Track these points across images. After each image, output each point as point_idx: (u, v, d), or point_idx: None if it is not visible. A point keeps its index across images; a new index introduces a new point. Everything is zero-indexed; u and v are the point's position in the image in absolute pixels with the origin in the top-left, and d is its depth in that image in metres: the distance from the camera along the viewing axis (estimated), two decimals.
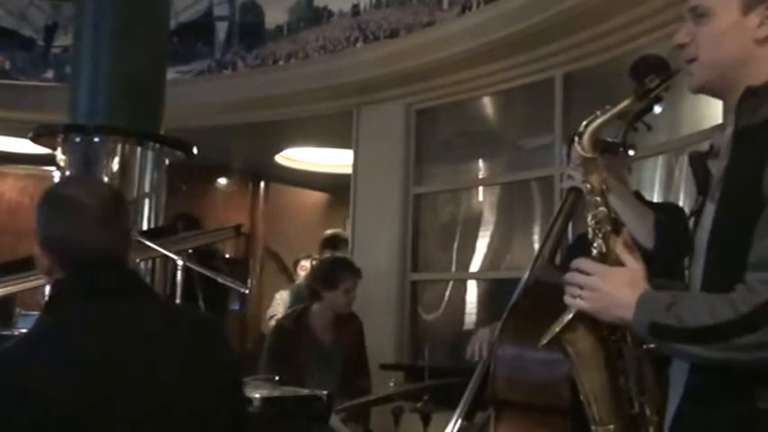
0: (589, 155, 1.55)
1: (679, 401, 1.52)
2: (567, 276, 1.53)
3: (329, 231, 6.14)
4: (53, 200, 1.66)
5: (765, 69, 1.49)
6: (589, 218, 1.56)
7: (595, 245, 1.54)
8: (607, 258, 1.52)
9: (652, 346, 1.55)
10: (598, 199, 1.55)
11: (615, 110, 1.54)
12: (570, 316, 1.52)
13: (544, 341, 1.53)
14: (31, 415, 1.43)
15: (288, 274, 7.26)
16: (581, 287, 1.50)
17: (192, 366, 1.67)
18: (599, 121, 1.54)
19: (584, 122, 1.55)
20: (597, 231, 1.54)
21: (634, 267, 1.50)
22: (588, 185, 1.56)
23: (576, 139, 1.55)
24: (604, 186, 1.56)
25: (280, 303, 5.91)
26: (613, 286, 1.48)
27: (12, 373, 1.49)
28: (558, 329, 1.52)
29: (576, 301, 1.51)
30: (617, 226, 1.55)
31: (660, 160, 4.29)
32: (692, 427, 1.49)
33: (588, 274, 1.50)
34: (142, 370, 1.57)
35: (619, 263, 1.51)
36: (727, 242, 1.45)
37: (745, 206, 1.42)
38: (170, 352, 1.63)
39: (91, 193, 1.64)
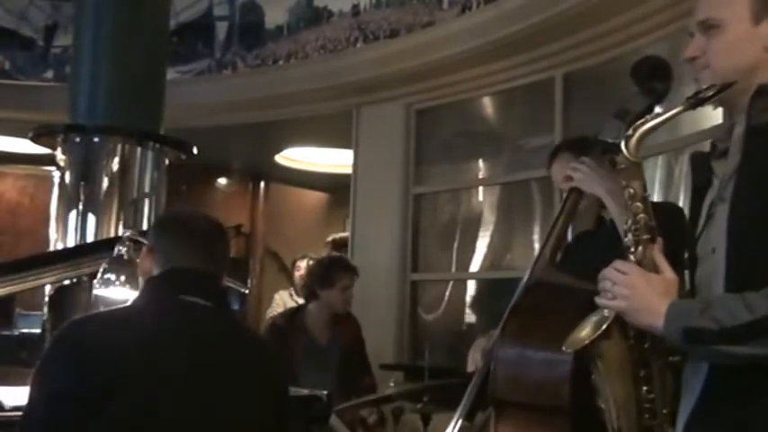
0: (635, 159, 1.52)
1: (696, 402, 1.51)
2: (602, 272, 1.52)
3: (340, 235, 6.19)
4: (173, 222, 2.06)
5: None
6: (629, 224, 1.55)
7: (632, 251, 1.54)
8: (642, 266, 1.52)
9: (677, 358, 1.55)
10: (639, 205, 1.54)
11: (667, 115, 1.51)
12: (597, 317, 1.51)
13: (571, 348, 1.52)
14: (100, 376, 1.66)
15: (287, 273, 7.26)
16: (615, 284, 1.50)
17: (243, 378, 1.87)
18: (649, 125, 1.51)
19: (634, 125, 1.52)
20: (636, 238, 1.54)
21: (669, 276, 1.51)
22: (631, 190, 1.54)
23: (623, 142, 1.52)
24: (646, 193, 1.55)
25: (279, 304, 5.90)
26: (648, 290, 1.48)
27: (85, 335, 1.75)
28: (586, 335, 1.51)
29: (608, 301, 1.51)
30: (654, 234, 1.54)
31: (660, 160, 4.29)
32: (715, 426, 1.48)
33: (624, 273, 1.50)
34: (198, 368, 1.79)
35: (654, 271, 1.51)
36: (747, 240, 1.45)
37: (762, 203, 1.42)
38: (226, 360, 1.86)
39: (204, 222, 2.03)
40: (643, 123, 1.52)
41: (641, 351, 1.54)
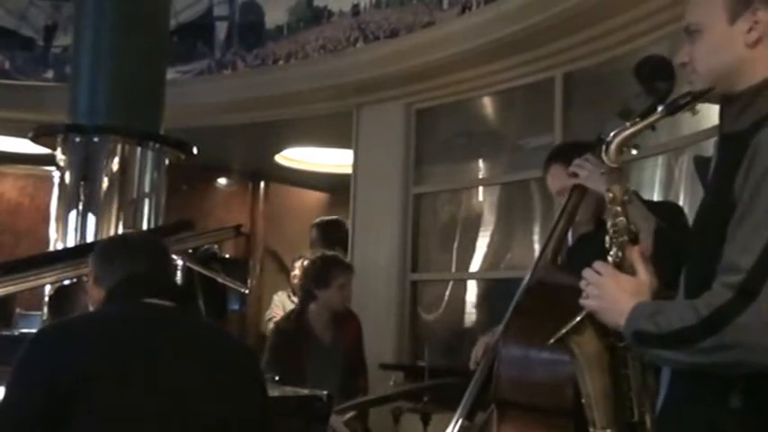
0: (615, 164, 1.57)
1: (662, 401, 1.56)
2: (582, 272, 1.58)
3: (327, 218, 5.74)
4: (109, 244, 2.18)
5: (761, 69, 1.51)
6: (608, 225, 1.60)
7: (611, 253, 1.58)
8: (621, 267, 1.56)
9: None
10: (619, 209, 1.59)
11: (645, 122, 1.56)
12: (580, 317, 1.55)
13: (552, 340, 1.56)
14: (70, 376, 1.72)
15: (287, 274, 7.26)
16: (589, 283, 1.55)
17: (211, 374, 1.88)
18: (628, 132, 1.56)
19: (613, 132, 1.57)
20: (614, 240, 1.58)
21: (642, 279, 1.54)
22: (611, 194, 1.59)
23: (603, 147, 1.57)
24: (626, 197, 1.59)
25: (278, 305, 5.89)
26: (617, 291, 1.52)
27: (56, 339, 1.82)
28: (565, 330, 1.55)
29: (583, 300, 1.56)
30: (635, 237, 1.58)
31: (660, 160, 4.29)
32: (672, 426, 1.52)
33: (599, 273, 1.55)
34: (166, 366, 1.82)
35: (632, 272, 1.55)
36: (702, 248, 1.50)
37: (718, 212, 1.45)
38: (191, 358, 1.88)
39: (138, 235, 2.33)
40: (621, 131, 1.56)
41: (620, 349, 1.57)
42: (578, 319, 1.55)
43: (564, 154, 2.64)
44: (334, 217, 5.67)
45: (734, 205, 1.40)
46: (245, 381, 1.96)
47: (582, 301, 1.56)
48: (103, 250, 2.13)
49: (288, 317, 4.26)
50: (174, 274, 2.21)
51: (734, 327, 1.32)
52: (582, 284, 1.57)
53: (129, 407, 1.74)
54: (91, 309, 2.09)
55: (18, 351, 1.82)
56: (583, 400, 1.59)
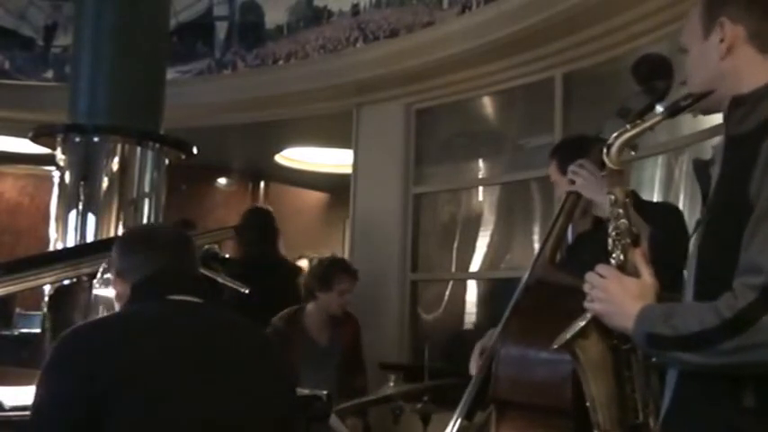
0: (616, 167, 1.59)
1: (669, 403, 1.55)
2: (586, 275, 1.58)
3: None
4: (133, 238, 2.09)
5: (741, 77, 1.54)
6: (610, 228, 1.60)
7: (614, 255, 1.59)
8: (624, 269, 1.57)
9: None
10: (620, 211, 1.60)
11: (647, 124, 1.58)
12: (584, 322, 1.56)
13: (556, 345, 1.57)
14: (103, 379, 1.69)
15: None
16: (593, 287, 1.55)
17: (243, 372, 1.87)
18: (629, 134, 1.58)
19: (614, 135, 1.59)
20: (617, 242, 1.59)
21: (647, 281, 1.55)
22: (612, 197, 1.60)
23: (605, 150, 1.59)
24: (628, 199, 1.60)
25: None
26: (622, 294, 1.53)
27: (85, 341, 1.79)
28: (571, 334, 1.56)
29: (588, 304, 1.57)
30: (636, 239, 1.59)
31: (660, 160, 4.29)
32: (681, 427, 1.52)
33: (603, 277, 1.56)
34: (197, 365, 1.80)
35: (635, 274, 1.55)
36: (716, 250, 1.49)
37: (732, 213, 1.44)
38: (221, 356, 1.86)
39: (164, 230, 2.15)
40: (622, 133, 1.58)
41: (624, 351, 1.58)
42: (583, 323, 1.56)
43: (559, 152, 2.74)
44: (258, 206, 5.35)
45: (749, 207, 1.40)
46: (276, 377, 1.94)
47: (587, 305, 1.57)
48: (126, 243, 2.05)
49: (283, 315, 4.27)
50: (199, 268, 2.11)
51: (758, 327, 1.33)
52: (586, 288, 1.57)
53: (162, 408, 1.71)
54: (117, 305, 2.03)
55: (18, 351, 1.81)
56: (587, 403, 1.59)
